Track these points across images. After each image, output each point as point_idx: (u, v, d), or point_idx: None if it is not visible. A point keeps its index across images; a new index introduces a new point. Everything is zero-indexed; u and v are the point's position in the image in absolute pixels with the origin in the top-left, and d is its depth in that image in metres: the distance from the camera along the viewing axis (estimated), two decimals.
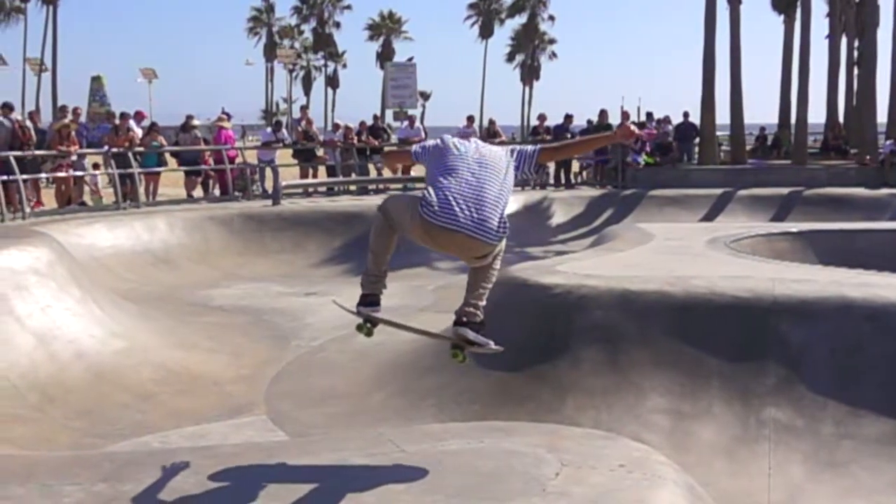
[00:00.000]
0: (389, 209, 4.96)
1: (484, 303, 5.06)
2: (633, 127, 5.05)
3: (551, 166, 24.18)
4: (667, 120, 25.92)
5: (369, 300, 5.16)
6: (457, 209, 4.61)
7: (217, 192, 20.47)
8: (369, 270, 5.16)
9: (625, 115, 25.89)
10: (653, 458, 4.79)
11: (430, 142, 5.12)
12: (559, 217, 20.96)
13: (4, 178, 15.49)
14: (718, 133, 26.11)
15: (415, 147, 5.23)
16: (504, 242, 4.95)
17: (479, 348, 5.06)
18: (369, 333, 5.33)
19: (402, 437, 5.20)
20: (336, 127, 23.83)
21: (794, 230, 13.57)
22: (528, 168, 4.96)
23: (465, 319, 5.01)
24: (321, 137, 23.00)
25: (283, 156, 22.62)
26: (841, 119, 31.72)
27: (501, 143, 24.31)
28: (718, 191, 21.53)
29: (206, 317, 12.02)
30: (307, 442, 6.33)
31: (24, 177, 15.90)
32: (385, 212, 4.98)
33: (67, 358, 8.84)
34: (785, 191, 21.42)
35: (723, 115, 24.73)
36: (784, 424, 7.08)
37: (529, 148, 5.05)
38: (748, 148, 27.19)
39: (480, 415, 7.47)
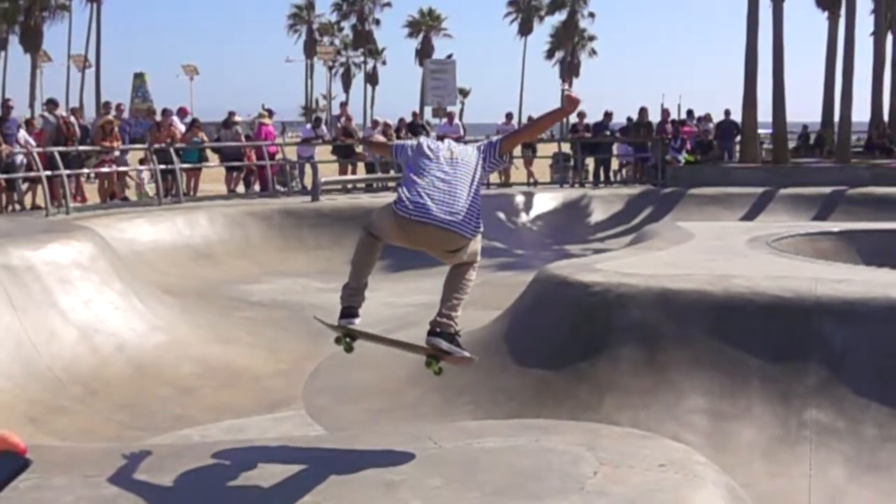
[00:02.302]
0: (374, 220, 5.16)
1: (458, 313, 5.18)
2: (573, 93, 5.06)
3: (590, 164, 24.10)
4: (707, 118, 25.67)
5: (347, 313, 5.28)
6: (429, 202, 4.80)
7: (257, 187, 20.62)
8: (349, 284, 5.30)
9: (665, 113, 25.70)
10: (692, 459, 4.75)
11: (410, 141, 5.33)
12: (598, 215, 20.86)
13: (49, 173, 15.72)
14: (760, 131, 25.80)
15: (396, 142, 5.48)
16: (479, 245, 5.12)
17: (453, 358, 5.16)
18: (349, 348, 5.47)
19: (439, 434, 5.20)
20: (375, 124, 23.88)
21: (836, 230, 13.39)
22: (493, 157, 5.13)
23: (438, 330, 5.12)
24: (360, 134, 23.06)
25: (323, 152, 22.73)
26: (886, 117, 31.23)
27: (540, 141, 24.34)
28: (760, 189, 21.29)
29: (246, 312, 12.12)
30: (344, 437, 6.35)
31: (68, 172, 16.11)
32: (370, 225, 5.17)
33: (109, 351, 8.96)
34: (828, 190, 21.11)
35: (765, 113, 24.46)
36: (825, 426, 6.99)
37: (494, 138, 5.27)
38: (791, 146, 26.85)
39: (517, 413, 7.45)
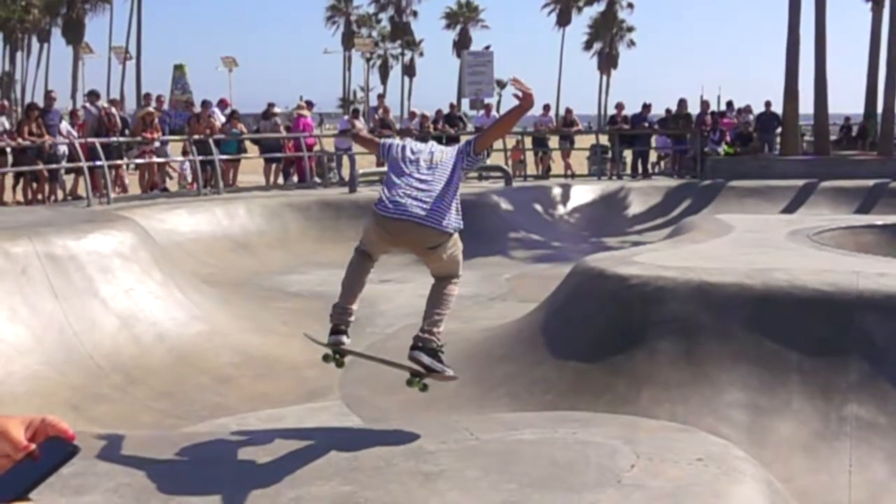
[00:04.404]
0: (362, 235, 5.56)
1: (440, 329, 5.40)
2: (525, 87, 5.33)
3: (628, 156, 23.97)
4: (748, 109, 25.40)
5: (336, 331, 5.54)
6: (406, 201, 5.12)
7: (295, 179, 20.73)
8: (337, 303, 5.61)
9: (704, 105, 25.47)
10: (731, 453, 4.72)
11: (397, 141, 5.66)
12: (636, 207, 20.74)
13: (90, 163, 15.91)
14: (801, 123, 25.47)
15: (383, 141, 5.79)
16: (460, 253, 5.41)
17: (436, 375, 5.36)
18: (340, 364, 5.75)
19: (476, 426, 5.21)
20: (412, 115, 23.92)
21: (879, 223, 13.20)
22: (469, 154, 5.43)
23: (420, 345, 5.33)
24: (398, 126, 23.11)
25: None
26: None
27: (578, 132, 24.24)
28: (801, 182, 21.04)
29: (284, 302, 12.19)
30: (381, 427, 6.38)
31: (109, 163, 16.30)
32: (360, 242, 5.57)
33: (149, 340, 9.05)
34: (870, 182, 20.81)
35: (806, 105, 24.14)
36: (866, 421, 6.90)
37: (471, 138, 5.63)
38: (832, 138, 26.50)
39: (553, 405, 7.44)
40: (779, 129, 24.35)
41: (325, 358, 5.72)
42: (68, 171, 17.25)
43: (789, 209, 19.72)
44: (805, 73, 23.80)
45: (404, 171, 5.28)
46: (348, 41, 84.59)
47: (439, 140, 22.01)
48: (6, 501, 1.13)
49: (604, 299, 8.50)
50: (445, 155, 5.40)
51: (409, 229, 5.15)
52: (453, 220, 5.22)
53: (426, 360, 5.28)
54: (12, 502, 1.13)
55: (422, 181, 5.20)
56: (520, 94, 5.28)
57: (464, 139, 6.03)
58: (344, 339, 5.52)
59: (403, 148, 5.46)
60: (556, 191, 20.81)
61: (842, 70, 36.94)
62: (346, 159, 21.41)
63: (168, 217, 15.04)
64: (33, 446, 1.18)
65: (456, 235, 5.35)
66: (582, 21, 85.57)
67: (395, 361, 5.89)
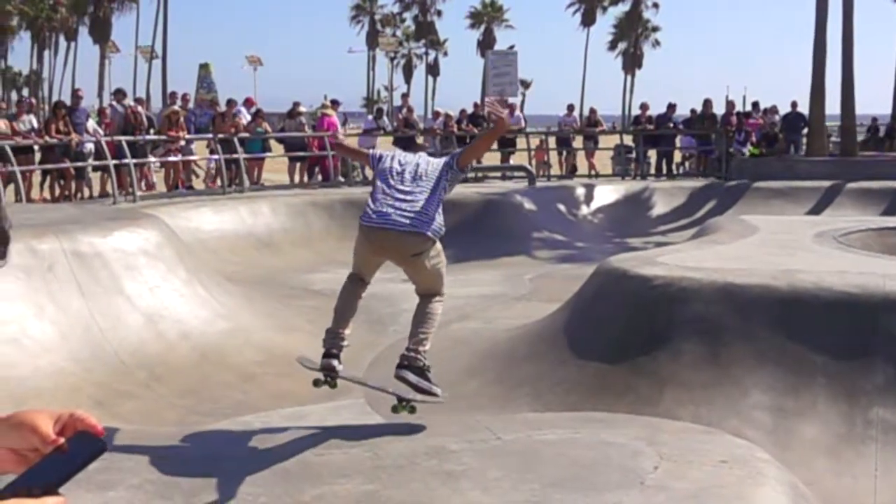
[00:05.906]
0: (353, 255, 5.77)
1: (425, 347, 5.51)
2: (497, 111, 5.72)
3: (652, 156, 23.87)
4: (774, 110, 25.21)
5: (328, 355, 5.67)
6: (389, 210, 5.32)
7: (319, 177, 20.79)
8: (330, 328, 5.74)
9: (730, 105, 25.31)
10: (755, 455, 4.70)
11: (387, 153, 5.86)
12: (660, 208, 20.66)
13: (116, 161, 16.03)
14: (828, 123, 25.24)
15: (373, 152, 5.99)
16: (443, 267, 5.59)
17: (423, 395, 5.47)
18: (332, 386, 5.91)
19: (498, 425, 5.21)
20: (436, 115, 23.92)
21: None
22: (453, 168, 5.60)
23: (406, 363, 5.45)
24: (421, 125, 23.12)
25: (384, 143, 22.83)
26: None
27: (602, 132, 24.17)
28: (827, 183, 20.86)
29: (307, 300, 12.22)
30: (403, 426, 6.38)
31: (135, 161, 16.41)
32: (352, 266, 5.79)
33: (174, 337, 9.10)
34: None
35: (833, 105, 23.91)
36: (893, 425, 6.84)
37: (455, 152, 5.88)
38: (859, 139, 26.26)
39: (576, 405, 7.41)
40: (805, 130, 24.16)
41: (316, 383, 5.86)
42: (95, 168, 17.37)
43: (815, 210, 19.57)
44: (832, 73, 23.61)
45: (390, 182, 5.47)
46: (373, 40, 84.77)
47: (463, 139, 22.07)
48: (35, 494, 1.14)
49: (627, 300, 8.47)
50: (431, 167, 5.58)
51: (392, 238, 5.33)
52: (434, 226, 5.38)
53: (412, 378, 5.39)
54: (41, 496, 1.14)
55: (405, 192, 5.38)
56: (496, 118, 5.70)
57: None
58: (335, 363, 5.64)
59: (392, 159, 5.66)
60: (580, 191, 20.76)
61: (869, 70, 36.59)
62: None
63: (193, 215, 15.13)
64: (62, 440, 1.19)
65: (439, 246, 5.51)
66: (606, 21, 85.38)
67: (385, 388, 5.98)
